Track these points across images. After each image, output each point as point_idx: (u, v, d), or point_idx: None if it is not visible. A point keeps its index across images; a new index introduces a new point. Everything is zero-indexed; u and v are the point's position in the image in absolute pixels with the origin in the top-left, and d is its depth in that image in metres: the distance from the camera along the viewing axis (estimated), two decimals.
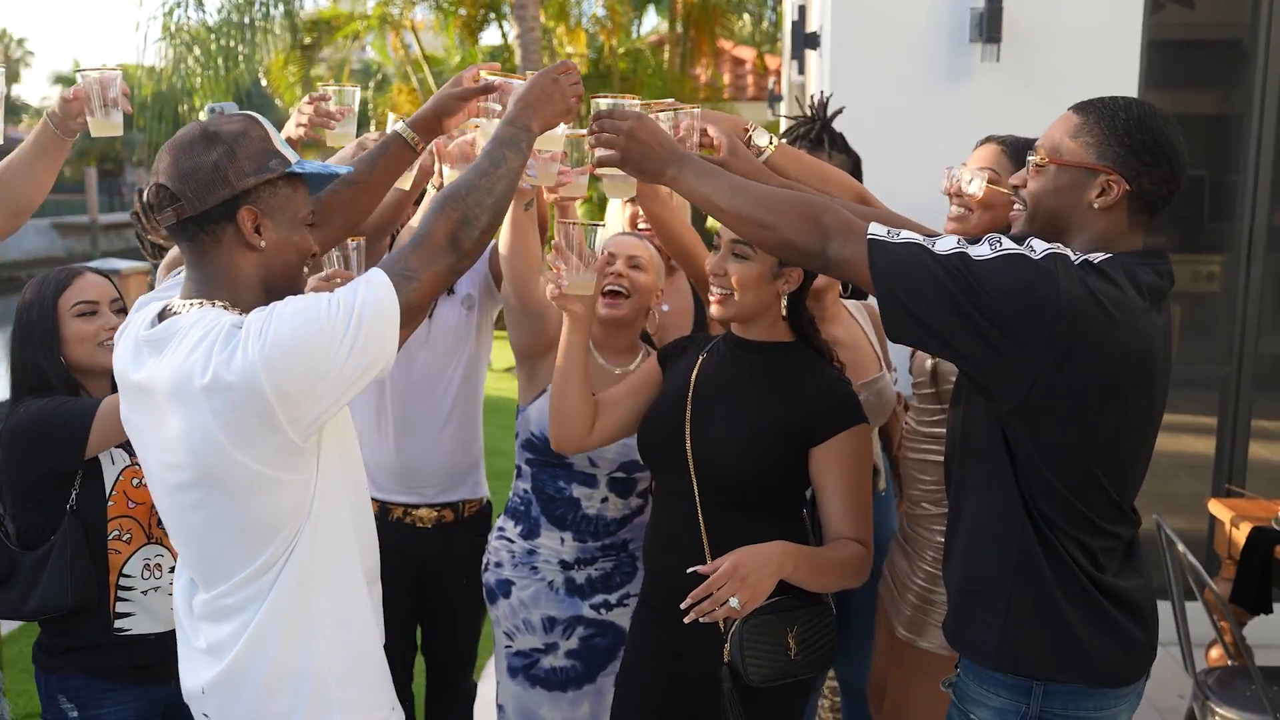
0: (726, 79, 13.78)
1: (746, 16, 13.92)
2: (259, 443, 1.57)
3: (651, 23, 14.22)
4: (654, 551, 2.32)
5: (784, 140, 3.54)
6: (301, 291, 1.75)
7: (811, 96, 3.68)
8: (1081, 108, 1.81)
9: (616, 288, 2.62)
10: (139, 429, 1.73)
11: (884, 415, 2.91)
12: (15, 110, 32.57)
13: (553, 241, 2.33)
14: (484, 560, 2.77)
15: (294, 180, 1.72)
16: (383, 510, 2.94)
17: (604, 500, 2.65)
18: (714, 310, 2.24)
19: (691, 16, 11.22)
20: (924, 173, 3.82)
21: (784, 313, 2.26)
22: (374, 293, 1.60)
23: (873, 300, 2.51)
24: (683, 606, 1.99)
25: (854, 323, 2.97)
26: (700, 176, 1.89)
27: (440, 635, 3.06)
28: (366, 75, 18.01)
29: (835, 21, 4.24)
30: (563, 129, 2.41)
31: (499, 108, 2.14)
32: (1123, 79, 4.06)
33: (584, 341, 2.31)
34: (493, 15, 11.77)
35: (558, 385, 2.36)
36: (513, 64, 10.42)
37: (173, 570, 2.37)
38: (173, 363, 1.60)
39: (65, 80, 33.66)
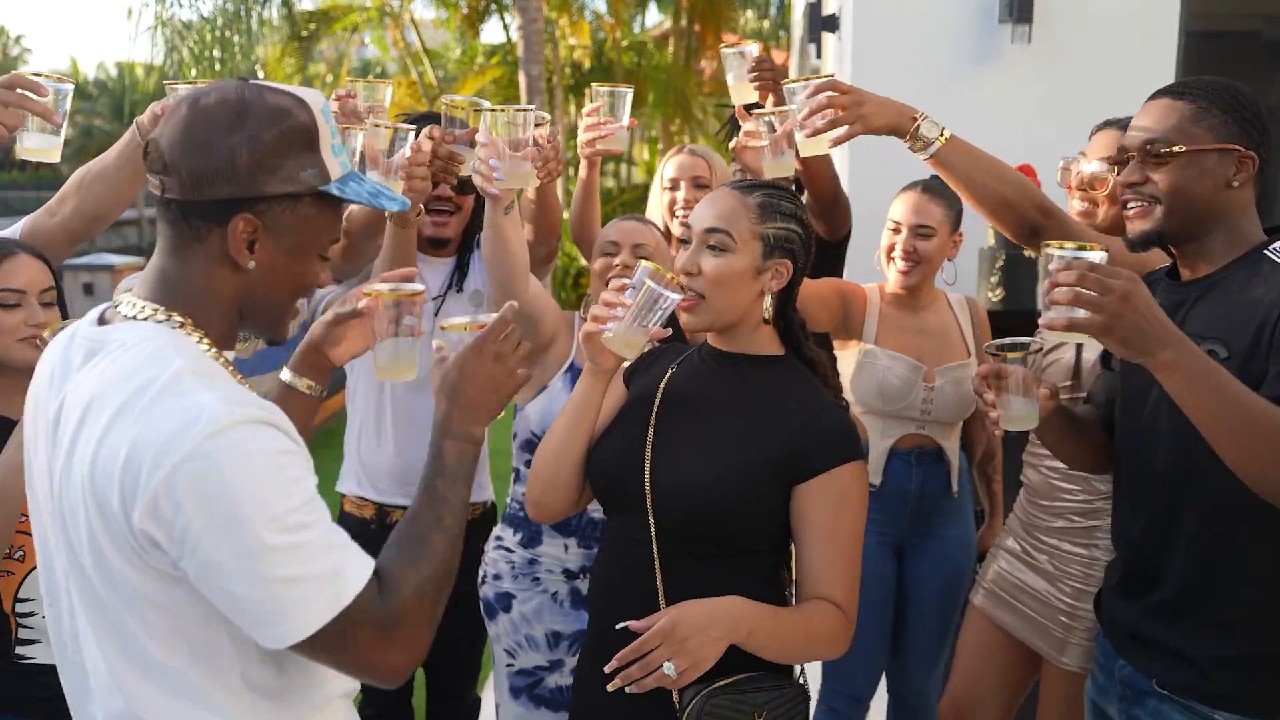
0: None
1: (750, 12, 13.71)
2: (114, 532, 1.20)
3: (654, 18, 14.03)
4: (600, 600, 1.90)
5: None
6: (280, 335, 1.40)
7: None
8: (1181, 93, 1.75)
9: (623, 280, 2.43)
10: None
11: (962, 410, 2.75)
12: None
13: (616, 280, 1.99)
14: (480, 573, 2.56)
15: (326, 200, 1.35)
16: (380, 513, 2.76)
17: None
18: (682, 319, 1.84)
19: (696, 9, 11.02)
20: None
21: (766, 316, 1.86)
22: (348, 575, 1.23)
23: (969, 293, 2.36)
24: (606, 670, 1.66)
25: (949, 312, 2.83)
26: (1199, 377, 1.53)
27: (441, 646, 2.81)
28: (365, 71, 17.80)
29: (857, 1, 4.03)
30: (529, 166, 2.12)
31: (415, 321, 1.71)
32: (1159, 67, 3.86)
33: (600, 397, 1.89)
34: (494, 7, 11.58)
35: (556, 444, 1.91)
36: (514, 56, 10.22)
37: None
38: (96, 379, 1.24)
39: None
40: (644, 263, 1.80)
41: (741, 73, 2.65)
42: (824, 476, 1.75)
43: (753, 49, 2.69)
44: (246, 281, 1.33)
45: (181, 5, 10.10)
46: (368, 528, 2.74)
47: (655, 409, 1.87)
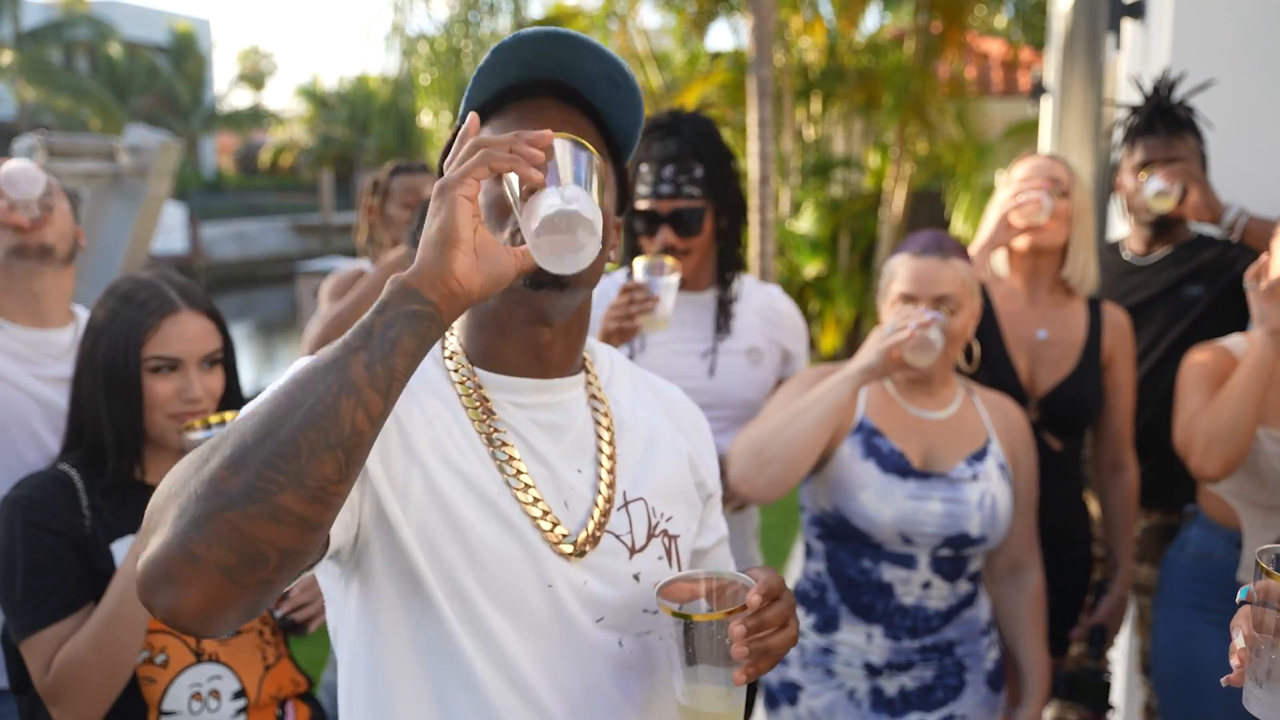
0: (971, 74, 12.78)
1: (993, 6, 12.87)
2: None
3: (883, 20, 13.39)
4: None
5: (1120, 130, 2.92)
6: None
7: (1166, 72, 2.93)
8: None
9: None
10: None
11: None
12: (260, 117, 34.63)
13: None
14: None
15: None
16: None
17: (926, 586, 2.03)
18: None
19: (938, 5, 10.35)
20: None
21: None
22: None
23: None
24: None
25: None
26: None
27: None
28: None
29: None
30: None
31: None
32: None
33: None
34: (721, 10, 11.27)
35: None
36: (743, 60, 9.88)
37: (237, 695, 1.76)
38: None
39: (305, 92, 35.53)
40: None
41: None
42: None
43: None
44: None
45: (413, 12, 10.32)
46: None
47: None
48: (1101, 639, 2.64)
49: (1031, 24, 12.49)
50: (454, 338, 1.26)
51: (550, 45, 1.17)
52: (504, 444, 1.20)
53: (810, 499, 2.12)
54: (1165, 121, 2.77)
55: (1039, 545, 2.24)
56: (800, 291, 10.74)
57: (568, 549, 1.20)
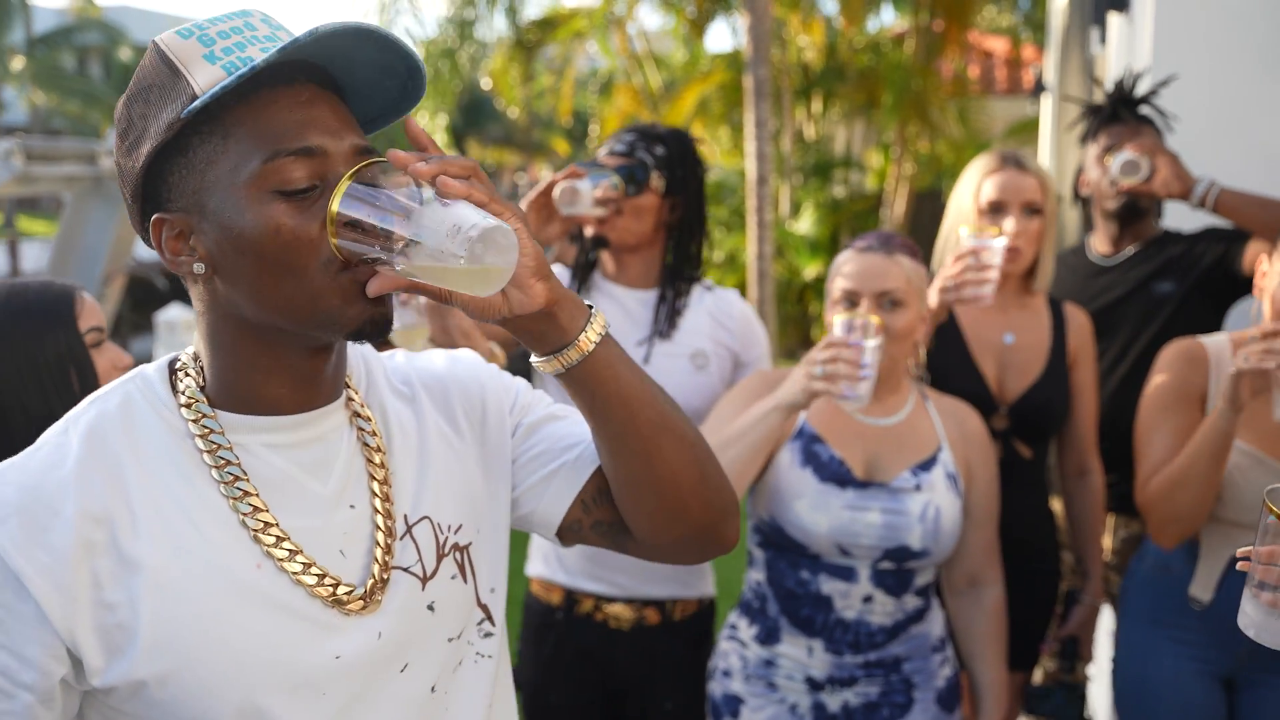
0: (974, 72, 12.67)
1: (996, 6, 12.78)
2: None
3: (887, 19, 13.31)
4: None
5: (1079, 126, 2.84)
6: (343, 325, 1.03)
7: (1128, 67, 2.85)
8: None
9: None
10: None
11: None
12: None
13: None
14: (710, 665, 2.12)
15: (219, 121, 0.97)
16: (569, 601, 2.29)
17: (867, 600, 1.95)
18: None
19: (939, 4, 10.25)
20: (1276, 161, 2.97)
21: None
22: None
23: None
24: None
25: None
26: None
27: None
28: (586, 80, 17.91)
29: None
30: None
31: None
32: None
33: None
34: (720, 11, 11.21)
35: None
36: (740, 60, 9.83)
37: None
38: None
39: None
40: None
41: None
42: None
43: None
44: (228, 294, 1.01)
45: (399, 13, 10.28)
46: (553, 616, 2.31)
47: None
48: (1074, 651, 2.55)
49: (1037, 23, 12.40)
50: (189, 379, 1.06)
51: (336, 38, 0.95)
52: (257, 509, 1.02)
53: (751, 506, 2.04)
54: (1131, 112, 2.70)
55: (1000, 559, 2.15)
56: (800, 293, 10.66)
57: (357, 605, 1.05)
